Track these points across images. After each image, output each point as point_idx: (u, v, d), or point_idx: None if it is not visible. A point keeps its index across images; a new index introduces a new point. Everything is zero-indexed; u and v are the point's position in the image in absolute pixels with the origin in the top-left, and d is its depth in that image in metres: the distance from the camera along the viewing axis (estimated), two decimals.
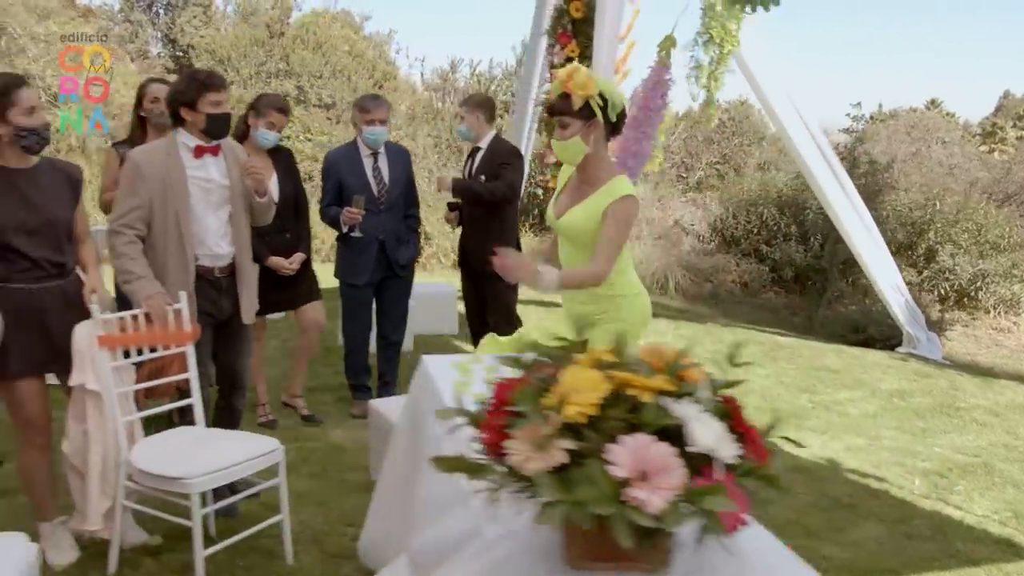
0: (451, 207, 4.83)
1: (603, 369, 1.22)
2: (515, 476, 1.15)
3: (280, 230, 3.96)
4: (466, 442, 1.80)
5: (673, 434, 1.17)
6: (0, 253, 2.54)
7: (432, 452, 2.10)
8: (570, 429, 1.14)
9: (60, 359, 2.66)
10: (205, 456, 2.64)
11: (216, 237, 3.09)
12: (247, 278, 3.24)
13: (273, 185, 3.95)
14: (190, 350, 2.93)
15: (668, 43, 3.98)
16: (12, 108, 2.50)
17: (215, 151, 3.05)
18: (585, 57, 4.93)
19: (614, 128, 2.73)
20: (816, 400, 5.28)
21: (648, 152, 3.91)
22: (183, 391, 2.99)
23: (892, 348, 7.00)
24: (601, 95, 2.65)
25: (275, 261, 3.97)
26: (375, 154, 4.37)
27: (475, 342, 4.89)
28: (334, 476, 3.59)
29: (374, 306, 4.56)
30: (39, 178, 2.64)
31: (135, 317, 2.80)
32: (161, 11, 22.36)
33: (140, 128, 3.93)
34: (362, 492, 3.45)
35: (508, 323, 4.53)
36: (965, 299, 8.51)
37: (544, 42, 6.26)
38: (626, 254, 2.89)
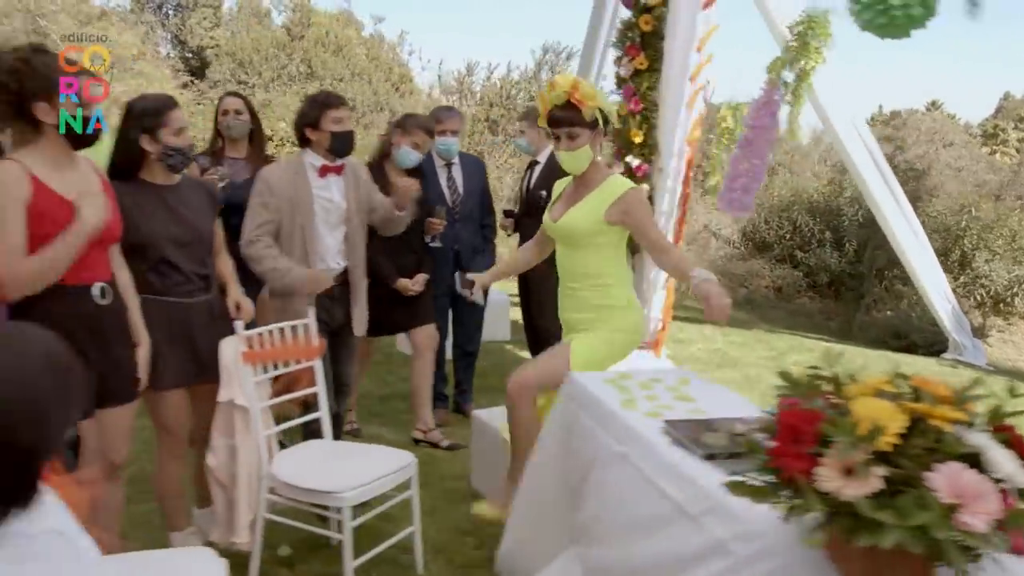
0: (507, 214, 4.89)
1: (890, 399, 1.29)
2: (824, 501, 1.21)
3: (409, 250, 4.02)
4: (654, 454, 1.86)
5: (968, 462, 1.23)
6: (154, 267, 2.59)
7: (612, 467, 2.15)
8: (880, 457, 1.20)
9: (205, 372, 2.71)
10: (349, 470, 2.69)
11: (333, 254, 3.20)
12: (359, 292, 3.34)
13: None
14: (318, 364, 2.99)
15: (778, 64, 4.05)
16: (163, 128, 2.56)
17: (339, 170, 3.13)
18: (654, 69, 4.97)
19: (604, 133, 2.97)
20: None
21: (762, 170, 3.99)
22: (309, 405, 3.05)
23: (936, 354, 7.07)
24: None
25: (403, 283, 3.98)
26: (449, 164, 4.42)
27: (531, 349, 4.94)
28: (436, 485, 3.64)
29: (450, 315, 4.62)
30: (184, 194, 2.70)
31: (270, 333, 2.86)
32: (171, 12, 22.36)
33: (219, 140, 4.00)
34: (469, 501, 3.51)
35: (557, 328, 4.58)
36: (1001, 305, 8.60)
37: (600, 52, 6.32)
38: (625, 269, 3.00)
